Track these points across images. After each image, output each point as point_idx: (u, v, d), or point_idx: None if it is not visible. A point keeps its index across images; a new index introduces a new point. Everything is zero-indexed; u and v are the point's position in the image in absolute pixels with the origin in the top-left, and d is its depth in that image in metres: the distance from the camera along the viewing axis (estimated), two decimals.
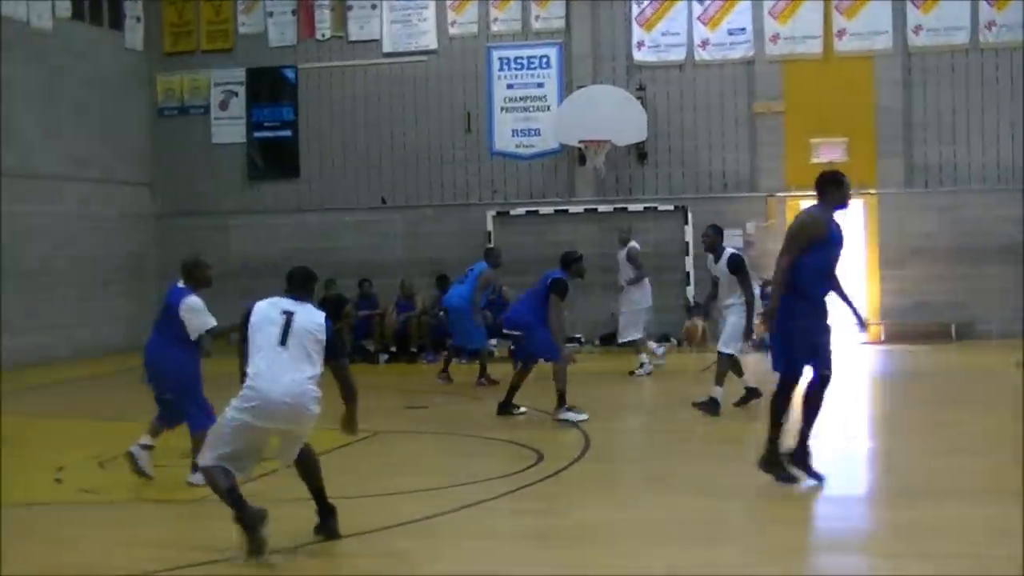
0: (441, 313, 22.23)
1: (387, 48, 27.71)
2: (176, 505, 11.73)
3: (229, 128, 28.75)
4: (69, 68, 26.45)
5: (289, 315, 9.57)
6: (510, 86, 27.09)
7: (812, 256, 10.87)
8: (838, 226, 11.22)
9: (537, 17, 26.98)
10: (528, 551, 9.79)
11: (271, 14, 28.40)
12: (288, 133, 28.42)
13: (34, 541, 10.28)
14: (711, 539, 9.63)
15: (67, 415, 18.40)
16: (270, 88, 28.50)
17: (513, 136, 27.10)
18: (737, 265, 15.93)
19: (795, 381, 11.28)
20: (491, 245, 21.31)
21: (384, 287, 25.69)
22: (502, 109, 27.16)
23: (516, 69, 27.06)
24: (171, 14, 29.11)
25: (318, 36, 28.11)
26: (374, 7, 27.70)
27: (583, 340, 24.74)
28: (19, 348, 24.13)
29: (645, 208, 25.68)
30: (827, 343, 11.16)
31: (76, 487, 12.48)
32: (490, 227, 26.35)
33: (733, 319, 15.86)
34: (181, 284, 12.18)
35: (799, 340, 10.94)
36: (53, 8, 25.98)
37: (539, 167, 27.01)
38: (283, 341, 9.49)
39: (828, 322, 11.35)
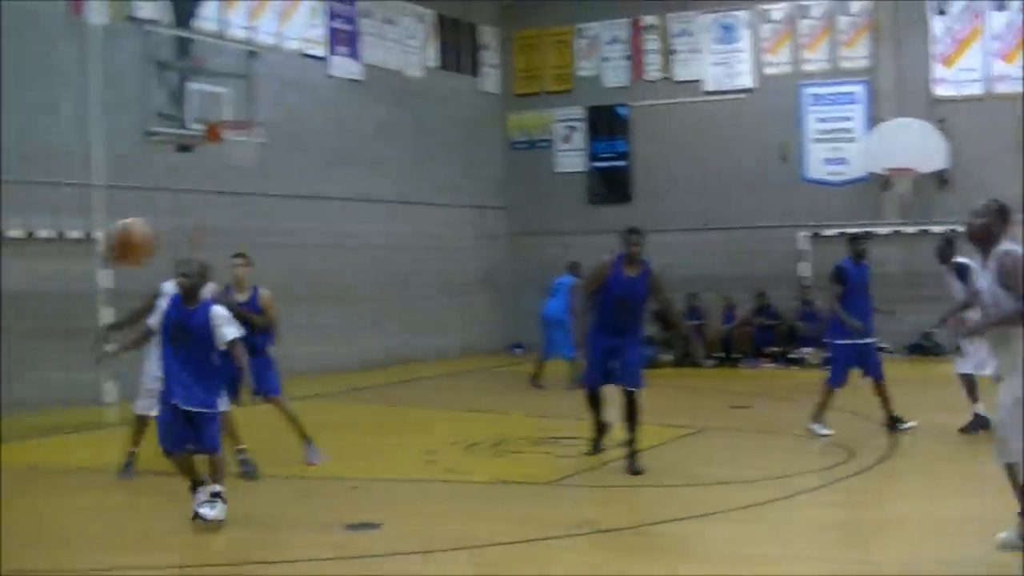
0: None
1: (709, 87, 28.83)
2: (532, 486, 12.30)
3: (571, 159, 30.33)
4: (436, 110, 28.68)
5: None
6: (820, 120, 27.70)
7: None
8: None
9: (845, 57, 27.62)
10: (834, 539, 9.98)
11: (606, 59, 29.89)
12: (623, 163, 29.69)
13: (409, 513, 11.07)
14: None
15: (435, 406, 19.98)
16: (606, 124, 29.82)
17: (824, 164, 27.71)
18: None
19: None
20: (574, 260, 21.67)
21: (709, 299, 26.99)
22: (814, 140, 27.77)
23: (826, 104, 27.67)
24: (520, 61, 31.00)
25: (648, 78, 29.43)
26: (696, 51, 28.89)
27: (891, 349, 24.30)
28: (393, 349, 26.89)
29: (948, 230, 24.64)
30: None
31: (444, 468, 13.34)
32: (803, 247, 26.82)
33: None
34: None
35: None
36: (423, 60, 28.47)
37: (848, 192, 27.39)
38: None
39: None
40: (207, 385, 10.55)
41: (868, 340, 15.18)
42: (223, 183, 22.28)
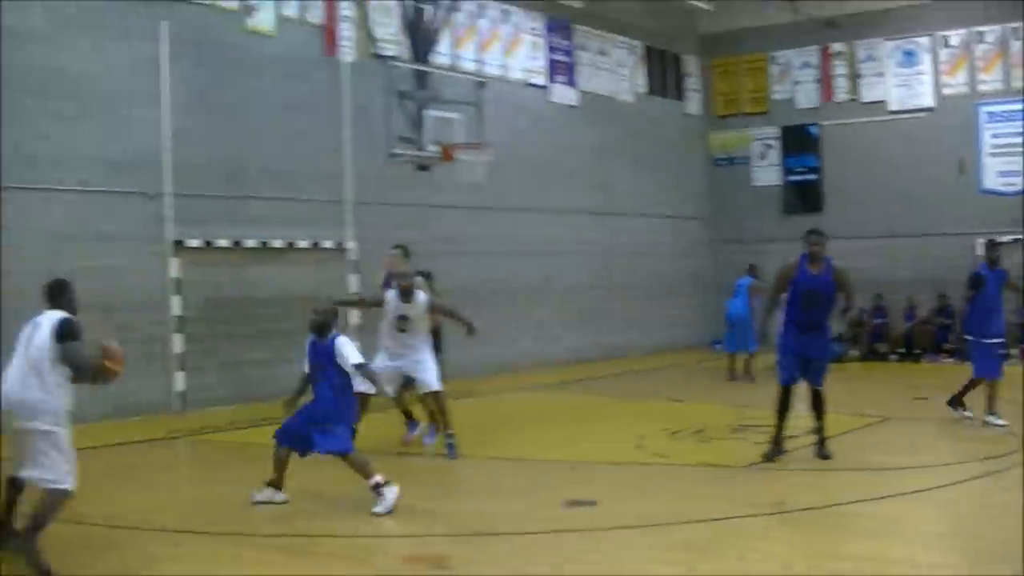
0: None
1: (892, 107, 28.27)
2: (730, 469, 12.16)
3: (767, 173, 30.08)
4: (644, 131, 28.63)
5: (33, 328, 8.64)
6: (995, 135, 26.96)
7: None
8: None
9: (1018, 78, 26.78)
10: (1005, 522, 9.32)
11: (798, 83, 29.52)
12: (814, 177, 29.32)
13: (622, 492, 11.02)
14: None
15: (644, 396, 19.75)
16: (799, 141, 29.45)
17: (998, 176, 26.96)
18: None
19: None
20: (753, 263, 21.64)
21: (893, 300, 26.52)
22: (989, 154, 27.04)
23: (1000, 121, 26.91)
24: (721, 86, 30.78)
25: (836, 99, 28.98)
26: (881, 75, 28.36)
27: None
28: (606, 345, 26.79)
29: None
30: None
31: (652, 452, 13.19)
32: (979, 252, 23.56)
33: None
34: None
35: None
36: (633, 86, 28.43)
37: (1021, 202, 26.27)
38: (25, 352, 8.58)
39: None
40: (347, 402, 10.66)
41: (998, 339, 14.95)
42: (456, 198, 22.51)
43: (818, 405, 12.52)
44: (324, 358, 10.54)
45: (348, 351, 10.50)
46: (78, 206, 16.88)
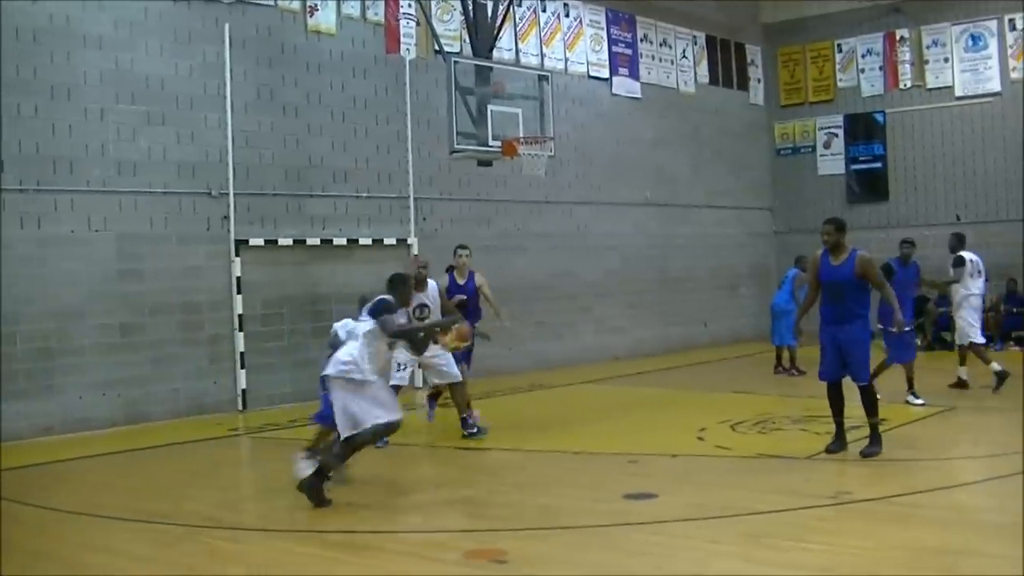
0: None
1: (959, 93, 27.90)
2: (792, 460, 11.95)
3: (831, 162, 29.83)
4: (708, 121, 28.55)
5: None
6: None
7: None
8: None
9: None
10: None
11: (863, 70, 29.24)
12: (879, 165, 29.02)
13: (683, 484, 11.03)
14: None
15: (706, 388, 19.62)
16: (864, 129, 29.25)
17: None
18: None
19: None
20: (801, 254, 20.30)
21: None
22: None
23: None
24: (785, 75, 30.61)
25: (902, 86, 28.66)
26: (947, 60, 28.01)
27: None
28: (669, 337, 26.77)
29: None
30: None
31: (714, 444, 13.15)
32: None
33: None
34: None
35: None
36: (695, 76, 28.32)
37: None
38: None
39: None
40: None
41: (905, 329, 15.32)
42: (518, 193, 22.65)
43: (864, 402, 12.14)
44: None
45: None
46: (144, 207, 17.12)
